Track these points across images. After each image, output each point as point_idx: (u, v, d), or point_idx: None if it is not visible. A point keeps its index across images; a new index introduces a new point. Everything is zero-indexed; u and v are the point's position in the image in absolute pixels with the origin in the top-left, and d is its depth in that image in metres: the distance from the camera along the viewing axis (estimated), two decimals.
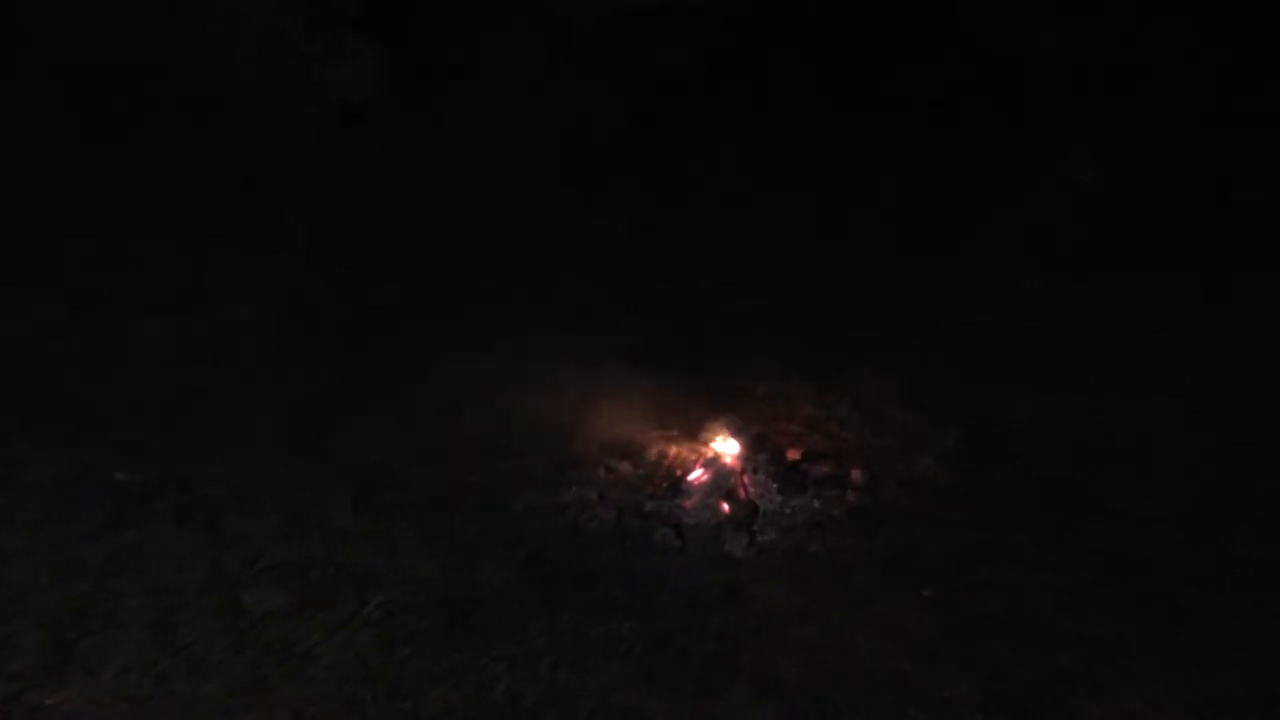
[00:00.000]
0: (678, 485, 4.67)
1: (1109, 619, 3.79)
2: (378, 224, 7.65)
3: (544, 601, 3.75)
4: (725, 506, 4.50)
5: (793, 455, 4.96)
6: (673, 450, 4.94)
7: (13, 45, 8.16)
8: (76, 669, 3.25)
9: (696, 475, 4.73)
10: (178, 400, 5.23)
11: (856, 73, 9.14)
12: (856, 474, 4.77)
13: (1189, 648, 3.63)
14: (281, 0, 7.45)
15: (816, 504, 4.56)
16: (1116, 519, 4.54)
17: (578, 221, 7.95)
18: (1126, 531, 4.44)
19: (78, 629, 3.44)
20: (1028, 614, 3.79)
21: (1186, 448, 5.22)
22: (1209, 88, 8.55)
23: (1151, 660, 3.55)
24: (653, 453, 4.93)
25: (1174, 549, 4.31)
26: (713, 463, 4.80)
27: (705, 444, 4.94)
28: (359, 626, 3.55)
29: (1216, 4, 8.84)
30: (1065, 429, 5.35)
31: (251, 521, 4.19)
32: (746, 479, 4.69)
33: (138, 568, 3.82)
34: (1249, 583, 4.07)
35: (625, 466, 4.83)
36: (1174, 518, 4.56)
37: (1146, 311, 6.73)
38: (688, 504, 4.52)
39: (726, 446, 4.86)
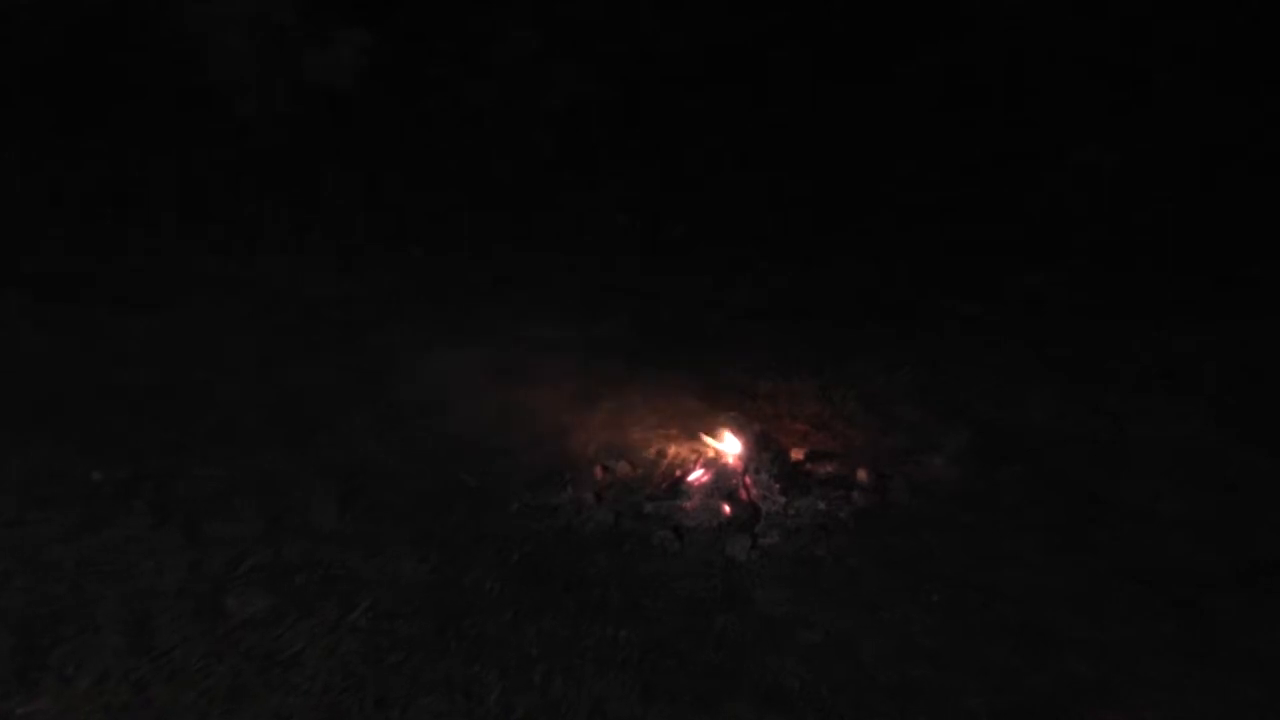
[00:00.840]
0: (677, 486, 4.57)
1: (1122, 624, 3.70)
2: (366, 215, 7.60)
3: (537, 606, 3.65)
4: (726, 508, 4.39)
5: (796, 455, 4.87)
6: (672, 449, 4.85)
7: None
8: (50, 676, 3.15)
9: (696, 475, 4.62)
10: (157, 396, 5.15)
11: (858, 63, 9.08)
12: (863, 474, 4.67)
13: (1204, 653, 3.54)
14: None
15: (821, 505, 4.45)
16: (1130, 520, 4.46)
17: (573, 214, 7.89)
18: (1140, 533, 4.36)
19: (51, 635, 3.34)
20: (1039, 619, 3.70)
21: (1202, 448, 5.14)
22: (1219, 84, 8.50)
23: (1166, 666, 3.46)
24: (651, 452, 4.85)
25: (1189, 551, 4.23)
26: (713, 462, 4.69)
27: (706, 443, 4.85)
28: (345, 632, 3.45)
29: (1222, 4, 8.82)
30: (1077, 428, 5.26)
31: (233, 522, 4.09)
32: (748, 479, 4.58)
33: (114, 570, 3.72)
34: (1265, 586, 3.99)
35: (623, 466, 4.74)
36: (1189, 519, 4.48)
37: (1160, 306, 6.65)
38: (687, 505, 4.41)
39: (728, 445, 4.75)
